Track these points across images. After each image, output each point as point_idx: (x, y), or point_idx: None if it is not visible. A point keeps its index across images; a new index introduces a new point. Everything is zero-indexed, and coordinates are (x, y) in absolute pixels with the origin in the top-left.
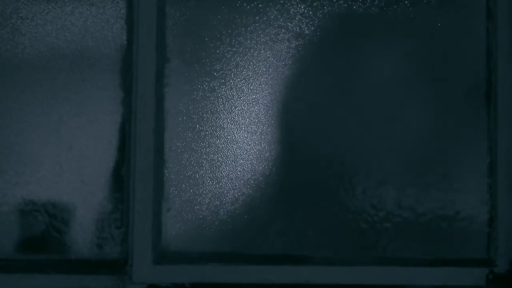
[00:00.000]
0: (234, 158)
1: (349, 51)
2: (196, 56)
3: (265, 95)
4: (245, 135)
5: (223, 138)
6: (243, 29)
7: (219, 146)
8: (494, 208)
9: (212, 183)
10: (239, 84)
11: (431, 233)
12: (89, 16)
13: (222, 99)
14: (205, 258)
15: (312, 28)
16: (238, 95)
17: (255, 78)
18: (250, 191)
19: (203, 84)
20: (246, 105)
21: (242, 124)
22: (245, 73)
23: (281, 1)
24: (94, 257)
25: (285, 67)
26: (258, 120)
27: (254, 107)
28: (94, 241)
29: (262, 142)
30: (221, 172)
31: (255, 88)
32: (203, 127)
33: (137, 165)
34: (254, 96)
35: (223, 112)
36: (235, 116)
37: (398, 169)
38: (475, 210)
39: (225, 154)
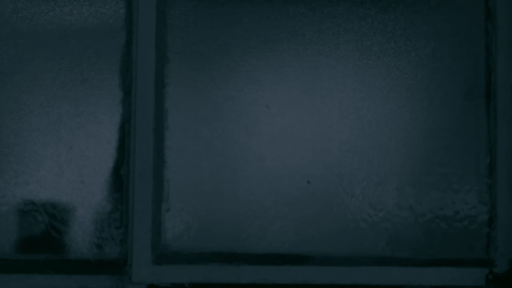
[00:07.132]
0: (234, 158)
1: (349, 51)
2: (196, 56)
3: (265, 95)
4: (245, 135)
5: (223, 138)
6: (243, 29)
7: (219, 146)
8: (494, 208)
9: (212, 183)
10: (239, 84)
11: (431, 233)
12: (89, 16)
13: (222, 99)
14: (205, 258)
15: (312, 28)
16: (238, 95)
17: (255, 78)
18: (250, 192)
19: (203, 84)
20: (246, 105)
21: (242, 124)
22: (245, 73)
23: (281, 1)
24: (93, 257)
25: (285, 67)
26: (258, 120)
27: (254, 107)
28: (94, 241)
29: (262, 142)
30: (221, 172)
31: (255, 88)
32: (203, 127)
33: (137, 165)
34: (254, 96)
35: (223, 112)
36: (235, 116)
37: (399, 169)
38: (475, 210)
39: (225, 154)
